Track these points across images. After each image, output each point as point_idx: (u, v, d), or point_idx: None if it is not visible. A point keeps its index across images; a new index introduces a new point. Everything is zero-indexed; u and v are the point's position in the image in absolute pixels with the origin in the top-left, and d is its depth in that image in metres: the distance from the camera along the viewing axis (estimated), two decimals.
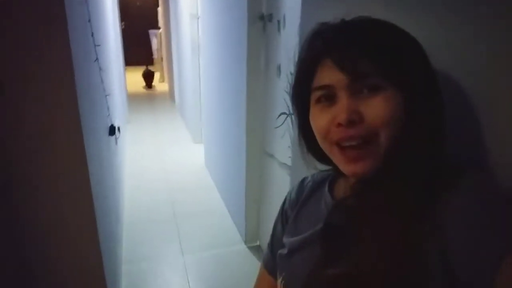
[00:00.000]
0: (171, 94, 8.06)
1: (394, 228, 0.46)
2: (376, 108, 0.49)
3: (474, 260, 0.42)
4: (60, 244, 1.23)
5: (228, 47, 2.53)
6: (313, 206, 0.68)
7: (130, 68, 9.40)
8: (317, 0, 1.13)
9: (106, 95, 2.09)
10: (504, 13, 0.53)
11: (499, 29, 0.54)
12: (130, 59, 9.62)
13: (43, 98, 1.08)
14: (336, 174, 0.63)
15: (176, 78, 6.84)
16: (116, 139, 2.55)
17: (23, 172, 1.11)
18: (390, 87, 0.49)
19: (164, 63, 9.49)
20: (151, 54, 11.31)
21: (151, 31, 10.93)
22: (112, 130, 2.28)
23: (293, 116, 0.67)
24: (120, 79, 4.82)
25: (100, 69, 1.89)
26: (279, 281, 0.69)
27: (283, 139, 1.80)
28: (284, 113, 1.79)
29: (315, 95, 0.54)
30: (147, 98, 8.65)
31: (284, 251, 0.69)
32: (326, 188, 0.66)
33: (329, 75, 0.51)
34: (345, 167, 0.53)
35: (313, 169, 0.69)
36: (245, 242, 2.46)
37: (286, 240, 0.70)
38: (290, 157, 1.62)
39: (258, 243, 2.47)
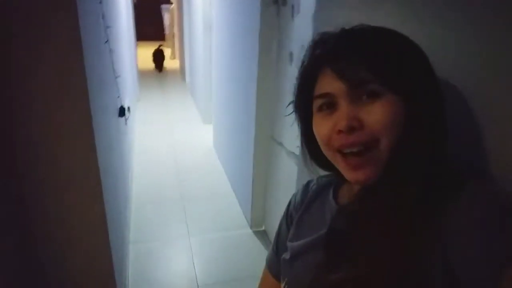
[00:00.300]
0: (182, 72, 8.02)
1: (396, 234, 0.47)
2: (376, 114, 0.49)
3: (475, 269, 0.43)
4: (67, 224, 1.26)
5: (241, 29, 2.48)
6: (317, 211, 0.68)
7: (141, 43, 9.34)
8: None
9: (116, 77, 2.08)
10: (504, 14, 0.53)
11: (499, 29, 0.54)
12: (142, 35, 9.56)
13: (52, 80, 1.08)
14: (340, 179, 0.63)
15: (187, 56, 6.78)
16: (125, 119, 2.56)
17: (30, 154, 1.12)
18: (389, 93, 0.50)
19: (176, 39, 9.39)
20: (163, 29, 11.20)
21: (164, 6, 10.78)
22: (122, 112, 2.29)
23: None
24: (131, 56, 4.80)
25: (110, 50, 1.88)
26: (282, 285, 0.70)
27: (292, 128, 1.76)
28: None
29: (316, 103, 0.55)
30: (157, 75, 8.63)
31: (287, 255, 0.69)
32: (331, 193, 0.67)
33: (329, 84, 0.53)
34: (348, 175, 0.54)
35: (317, 174, 0.70)
36: (251, 227, 2.49)
37: (289, 244, 0.70)
38: (298, 146, 1.61)
39: (263, 228, 2.50)
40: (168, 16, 10.43)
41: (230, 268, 2.12)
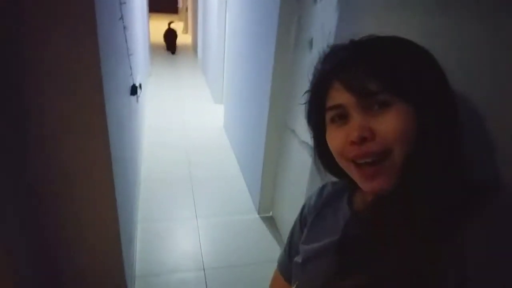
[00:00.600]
0: (194, 47, 7.90)
1: (410, 243, 0.47)
2: (387, 124, 0.50)
3: (490, 282, 0.42)
4: (77, 203, 1.26)
5: (259, 8, 2.39)
6: (331, 215, 0.68)
7: (153, 15, 9.15)
8: None
9: (129, 55, 2.04)
10: None
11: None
12: (154, 6, 9.34)
13: (64, 59, 1.05)
14: (354, 187, 0.63)
15: (200, 31, 6.64)
16: (137, 97, 2.53)
17: (42, 128, 1.10)
18: (400, 102, 0.49)
19: (189, 13, 9.20)
20: (176, 1, 10.97)
21: None
22: (133, 90, 2.25)
23: None
24: (144, 30, 4.71)
25: (124, 27, 1.82)
26: None
27: None
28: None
29: (329, 115, 0.56)
30: (169, 52, 8.51)
31: (299, 259, 0.70)
32: (345, 199, 0.67)
33: (339, 96, 0.53)
34: (363, 184, 0.54)
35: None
36: (258, 212, 2.49)
37: (301, 247, 0.71)
38: (312, 137, 1.57)
39: (271, 214, 2.49)
40: None
41: (236, 253, 2.13)
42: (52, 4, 0.99)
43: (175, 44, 7.92)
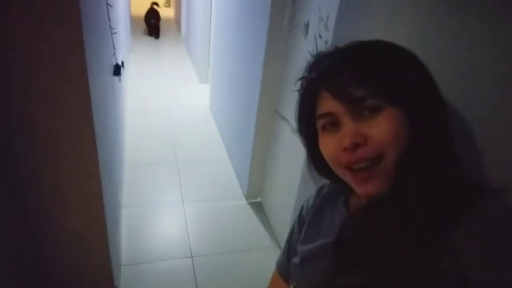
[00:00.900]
0: (177, 22, 7.61)
1: (404, 244, 0.47)
2: (379, 129, 0.50)
3: (489, 284, 0.42)
4: (62, 189, 1.22)
5: None
6: (328, 216, 0.69)
7: None
8: None
9: (112, 33, 1.91)
10: None
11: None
12: None
13: (45, 38, 0.98)
14: (350, 190, 0.64)
15: (184, 5, 6.39)
16: (120, 77, 2.41)
17: (25, 115, 1.05)
18: (390, 105, 0.50)
19: None
20: None
21: None
22: (117, 70, 2.13)
23: None
24: (125, 3, 4.47)
25: (108, 5, 1.69)
26: None
27: None
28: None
29: (319, 123, 0.56)
30: None
31: (297, 260, 0.71)
32: (342, 200, 0.67)
33: (328, 104, 0.53)
34: (357, 188, 0.54)
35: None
36: (246, 198, 2.46)
37: (299, 247, 0.72)
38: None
39: (259, 199, 2.47)
40: None
41: (225, 240, 2.11)
42: None
43: (159, 27, 7.04)
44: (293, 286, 0.70)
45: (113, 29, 1.97)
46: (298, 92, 0.61)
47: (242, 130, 2.52)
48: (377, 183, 0.51)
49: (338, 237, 0.60)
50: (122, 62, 2.51)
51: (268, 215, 2.32)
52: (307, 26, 1.67)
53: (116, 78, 2.25)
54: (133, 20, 6.72)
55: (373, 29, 0.98)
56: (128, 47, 5.00)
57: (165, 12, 9.09)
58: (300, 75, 0.61)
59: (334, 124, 0.54)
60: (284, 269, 0.80)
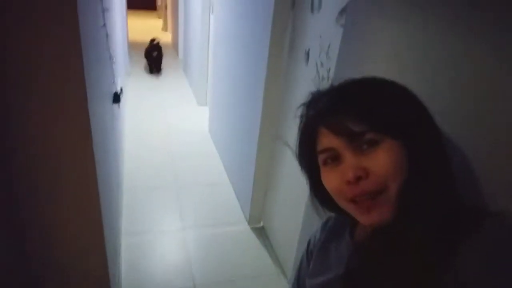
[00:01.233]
0: (174, 46, 7.71)
1: (411, 272, 0.48)
2: (379, 161, 0.51)
3: None
4: (61, 217, 1.20)
5: (249, 14, 2.31)
6: (334, 248, 0.70)
7: (130, 11, 8.84)
8: None
9: (112, 62, 1.92)
10: None
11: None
12: (131, 2, 9.02)
13: (48, 68, 0.99)
14: (354, 220, 0.64)
15: (181, 30, 6.48)
16: (119, 104, 2.40)
17: (25, 141, 1.05)
18: (387, 138, 0.51)
19: (169, 9, 8.98)
20: None
21: None
22: (116, 98, 2.13)
23: None
24: (123, 29, 4.53)
25: (107, 35, 1.70)
26: None
27: None
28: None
29: (321, 158, 0.58)
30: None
31: None
32: (347, 231, 0.68)
33: (328, 140, 0.55)
34: (361, 218, 0.55)
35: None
36: (249, 223, 2.42)
37: (308, 281, 0.72)
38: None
39: (261, 224, 2.43)
40: None
41: (228, 267, 2.06)
42: (34, 12, 0.92)
43: (160, 63, 6.10)
44: None
45: (113, 57, 1.98)
46: (298, 129, 0.63)
47: (243, 154, 2.51)
48: (380, 212, 0.52)
49: (346, 269, 0.61)
50: (121, 89, 2.52)
51: (271, 241, 2.27)
52: (307, 53, 1.68)
53: (115, 105, 2.25)
54: (129, 44, 6.81)
55: (376, 59, 0.98)
56: (127, 72, 5.04)
57: (162, 36, 9.23)
58: (301, 102, 0.63)
59: (335, 158, 0.55)
60: None
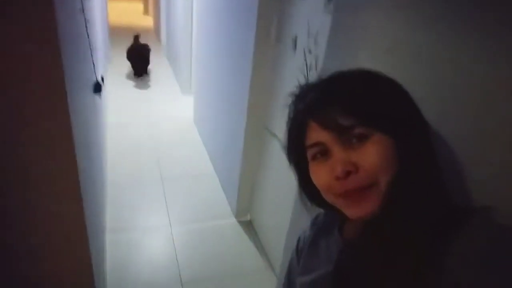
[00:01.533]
0: (156, 31, 7.48)
1: (402, 268, 0.47)
2: (368, 156, 0.51)
3: None
4: (42, 214, 1.13)
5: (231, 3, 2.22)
6: (323, 245, 0.69)
7: None
8: None
9: (91, 50, 1.80)
10: None
11: None
12: None
13: (22, 57, 0.91)
14: (343, 216, 0.63)
15: (163, 14, 6.28)
16: (100, 94, 2.29)
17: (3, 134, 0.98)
18: (377, 132, 0.51)
19: None
20: None
21: None
22: (97, 87, 2.02)
23: None
24: (103, 14, 4.33)
25: (85, 20, 1.59)
26: None
27: None
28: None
29: (309, 153, 0.57)
30: (129, 33, 7.99)
31: None
32: (336, 228, 0.68)
33: (316, 135, 0.54)
34: (349, 211, 0.54)
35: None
36: (236, 216, 2.38)
37: (298, 280, 0.72)
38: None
39: (248, 217, 2.39)
40: None
41: (215, 263, 2.02)
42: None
43: (147, 64, 5.20)
44: None
45: (92, 45, 1.87)
46: (286, 123, 0.62)
47: (229, 144, 2.45)
48: (369, 206, 0.52)
49: (336, 266, 0.60)
50: (102, 78, 2.40)
51: (259, 234, 2.24)
52: (295, 40, 1.62)
53: (97, 95, 2.14)
54: (110, 29, 6.56)
55: (366, 49, 0.93)
56: (108, 59, 4.86)
57: (143, 21, 8.94)
58: (289, 91, 0.61)
59: (323, 153, 0.55)
60: None
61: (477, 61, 0.61)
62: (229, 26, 2.32)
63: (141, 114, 3.87)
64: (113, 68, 5.10)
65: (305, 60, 1.54)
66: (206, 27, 2.97)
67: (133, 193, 2.57)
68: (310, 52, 1.49)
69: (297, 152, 0.60)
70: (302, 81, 1.67)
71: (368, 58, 0.92)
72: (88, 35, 1.68)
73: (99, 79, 2.14)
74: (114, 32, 7.11)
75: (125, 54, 5.04)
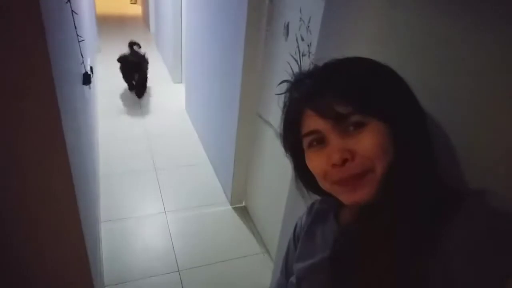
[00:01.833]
0: (145, 19, 7.36)
1: (397, 253, 0.48)
2: (365, 143, 0.51)
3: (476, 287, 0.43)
4: (34, 208, 1.12)
5: None
6: (320, 231, 0.70)
7: None
8: None
9: (80, 41, 1.78)
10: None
11: None
12: None
13: (7, 50, 0.88)
14: (339, 202, 0.64)
15: (151, 2, 6.17)
16: (90, 85, 2.27)
17: None
18: (373, 120, 0.51)
19: None
20: None
21: None
22: (86, 79, 2.01)
23: None
24: (90, 1, 4.25)
25: (73, 12, 1.57)
26: None
27: None
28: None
29: (306, 140, 0.57)
30: (117, 22, 7.87)
31: (293, 279, 0.72)
32: (332, 214, 0.68)
33: (313, 122, 0.54)
34: (344, 197, 0.55)
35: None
36: (231, 203, 2.40)
37: (295, 265, 0.73)
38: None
39: (243, 204, 2.42)
40: None
41: (212, 250, 2.05)
42: None
43: (146, 80, 4.04)
44: None
45: (80, 36, 1.84)
46: (281, 111, 0.61)
47: (222, 132, 2.45)
48: (365, 191, 0.52)
49: (333, 251, 0.61)
50: (91, 68, 2.38)
51: (254, 220, 2.27)
52: (287, 27, 1.62)
53: (86, 86, 2.12)
54: (97, 16, 6.44)
55: (361, 36, 0.94)
56: (96, 48, 4.78)
57: (132, 9, 8.78)
58: (281, 78, 0.60)
59: (320, 141, 0.55)
60: None
61: (475, 54, 0.61)
62: (220, 13, 2.30)
63: (132, 104, 3.84)
64: (102, 57, 5.02)
65: (298, 47, 1.54)
66: (196, 14, 2.94)
67: (127, 183, 2.57)
68: (302, 39, 1.48)
69: (293, 140, 0.60)
70: (295, 68, 1.67)
71: (362, 45, 0.92)
72: (75, 26, 1.65)
73: (88, 70, 2.12)
74: (102, 21, 6.98)
75: (114, 49, 4.56)
